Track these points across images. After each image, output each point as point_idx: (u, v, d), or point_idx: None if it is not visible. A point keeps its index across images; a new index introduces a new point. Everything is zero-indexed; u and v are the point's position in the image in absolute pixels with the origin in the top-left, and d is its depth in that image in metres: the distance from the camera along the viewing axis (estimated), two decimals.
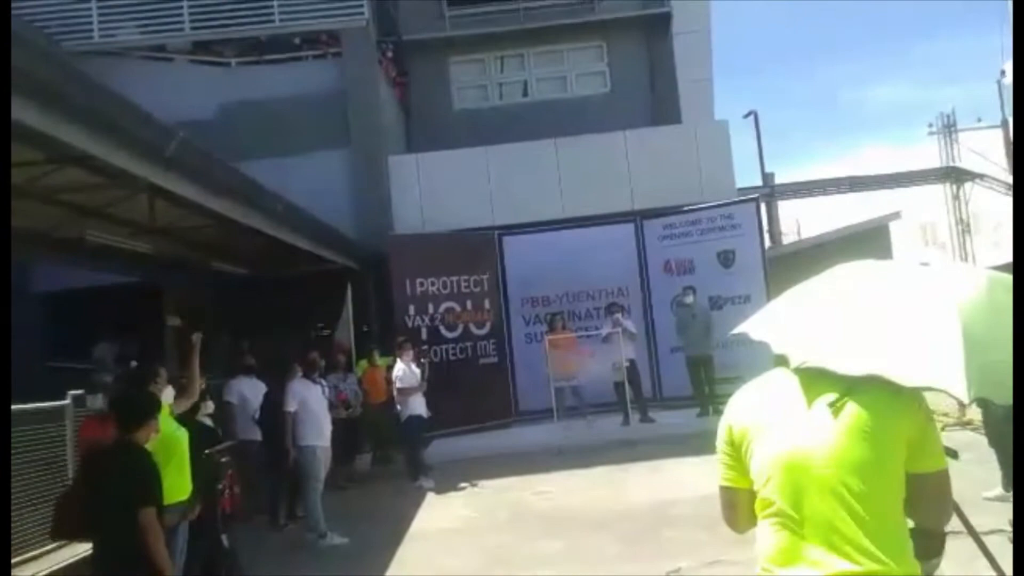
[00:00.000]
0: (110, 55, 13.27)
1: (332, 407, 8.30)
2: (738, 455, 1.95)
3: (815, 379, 1.82)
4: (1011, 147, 26.86)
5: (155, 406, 3.87)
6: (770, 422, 1.88)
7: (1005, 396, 1.71)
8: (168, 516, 3.80)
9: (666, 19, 16.56)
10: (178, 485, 4.50)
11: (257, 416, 8.53)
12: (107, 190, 7.11)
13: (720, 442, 2.01)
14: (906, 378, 1.71)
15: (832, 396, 1.78)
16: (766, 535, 1.88)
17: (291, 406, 7.41)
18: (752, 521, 1.96)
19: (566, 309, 12.45)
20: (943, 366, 1.67)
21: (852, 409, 1.77)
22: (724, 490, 2.04)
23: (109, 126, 5.68)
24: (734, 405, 1.99)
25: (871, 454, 1.75)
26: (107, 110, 5.56)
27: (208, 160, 7.41)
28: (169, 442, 4.51)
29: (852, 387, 1.76)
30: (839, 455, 1.76)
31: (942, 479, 1.83)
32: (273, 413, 8.10)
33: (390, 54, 15.87)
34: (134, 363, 8.66)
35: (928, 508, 1.85)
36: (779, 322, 2.05)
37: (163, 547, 3.46)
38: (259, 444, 8.35)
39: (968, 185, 28.63)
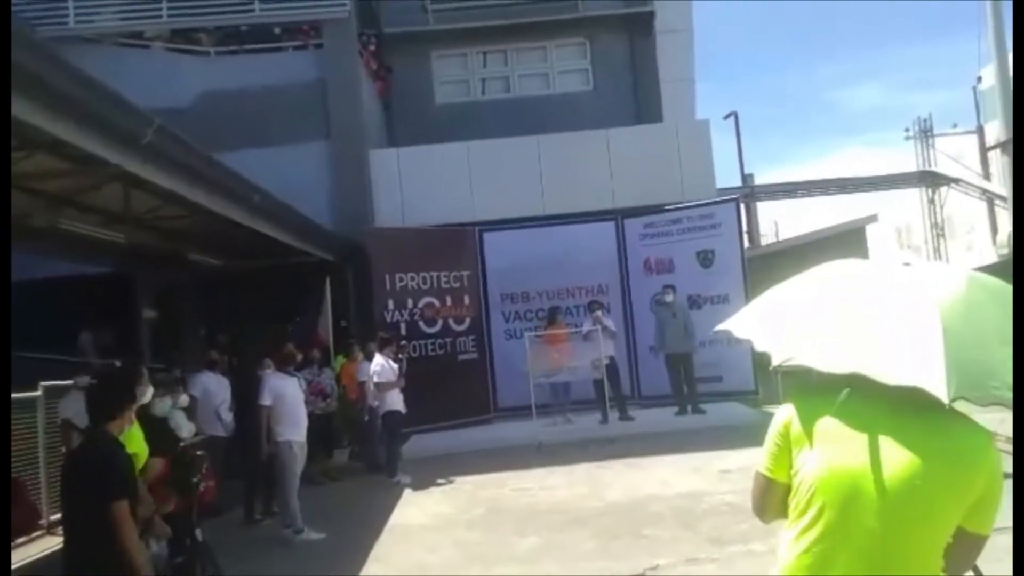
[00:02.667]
0: (86, 41, 13.04)
1: (307, 401, 8.19)
2: (787, 449, 1.90)
3: (894, 402, 1.74)
4: (985, 152, 27.27)
5: (129, 397, 3.80)
6: (835, 434, 1.81)
7: (983, 396, 1.70)
8: (141, 510, 3.73)
9: (649, 18, 16.61)
10: None
11: (230, 410, 8.43)
12: (81, 178, 6.98)
13: (774, 431, 1.94)
14: (887, 377, 1.70)
15: (911, 426, 1.73)
16: (794, 547, 1.84)
17: (266, 400, 7.28)
18: (780, 515, 1.93)
19: (546, 306, 12.44)
20: (924, 365, 1.66)
21: (927, 449, 1.72)
22: (762, 478, 1.97)
23: (83, 112, 5.56)
24: (803, 402, 1.91)
25: (933, 499, 1.72)
26: (82, 95, 5.45)
27: (185, 149, 7.29)
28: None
29: (935, 423, 1.69)
30: (900, 490, 1.72)
31: (982, 543, 1.82)
32: (244, 407, 7.98)
33: (372, 47, 15.77)
34: (117, 363, 8.54)
35: (955, 561, 1.83)
36: (762, 320, 2.03)
37: (137, 541, 3.38)
38: (225, 439, 8.24)
39: (943, 189, 29.06)
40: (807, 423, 1.86)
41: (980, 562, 2.00)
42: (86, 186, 7.45)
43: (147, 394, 4.97)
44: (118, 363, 8.01)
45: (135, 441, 4.55)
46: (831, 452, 1.80)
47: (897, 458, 1.73)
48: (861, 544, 1.75)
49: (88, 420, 3.63)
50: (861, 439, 1.77)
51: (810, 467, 1.83)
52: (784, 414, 1.94)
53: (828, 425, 1.83)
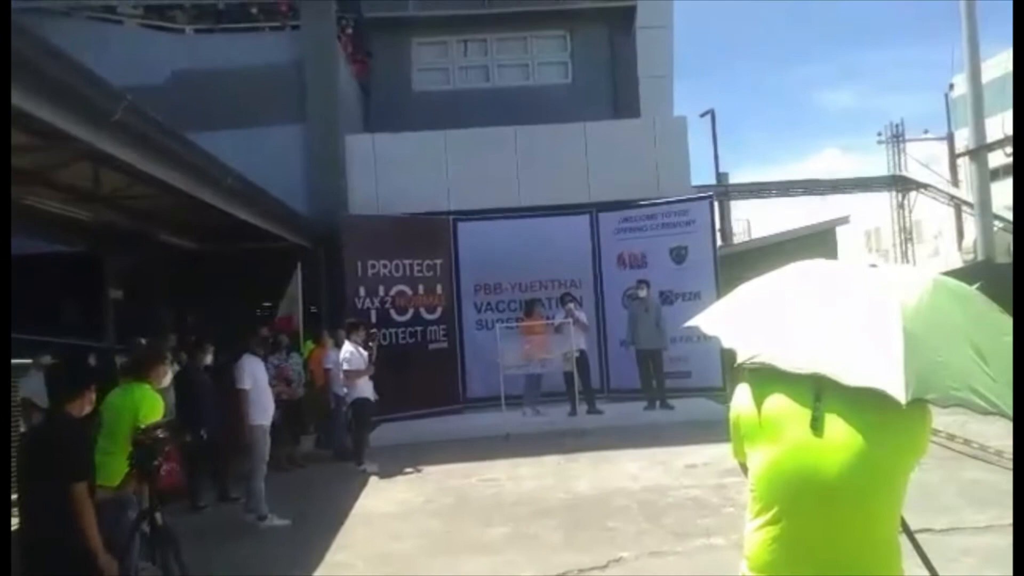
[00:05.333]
0: (55, 14, 12.76)
1: (271, 385, 8.08)
2: (741, 441, 1.95)
3: (824, 383, 1.75)
4: (954, 159, 27.76)
5: (90, 376, 3.73)
6: (774, 423, 1.83)
7: (943, 397, 1.71)
8: (100, 493, 3.68)
9: (630, 13, 16.64)
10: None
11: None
12: (49, 153, 6.83)
13: (731, 426, 1.99)
14: (847, 377, 1.71)
15: (844, 405, 1.74)
16: (755, 540, 1.86)
17: (245, 383, 7.22)
18: None
19: (519, 298, 12.44)
20: (883, 367, 1.68)
21: (870, 423, 1.73)
22: (739, 464, 2.03)
23: (52, 86, 5.43)
24: (743, 397, 1.93)
25: (883, 470, 1.74)
26: (51, 69, 5.32)
27: (156, 127, 7.17)
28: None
29: (866, 398, 1.69)
30: (849, 469, 1.72)
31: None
32: (189, 393, 7.77)
33: (350, 30, 15.62)
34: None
35: None
36: (730, 317, 2.05)
37: (94, 524, 3.34)
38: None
39: (913, 194, 29.53)
40: (752, 414, 1.88)
41: (936, 563, 2.04)
42: (54, 163, 7.30)
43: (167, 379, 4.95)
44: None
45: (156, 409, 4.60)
46: (778, 443, 1.81)
47: (847, 436, 1.73)
48: (821, 527, 1.76)
49: (48, 400, 3.56)
50: (804, 423, 1.78)
51: (757, 460, 1.85)
52: (733, 410, 1.97)
53: (776, 413, 1.83)
